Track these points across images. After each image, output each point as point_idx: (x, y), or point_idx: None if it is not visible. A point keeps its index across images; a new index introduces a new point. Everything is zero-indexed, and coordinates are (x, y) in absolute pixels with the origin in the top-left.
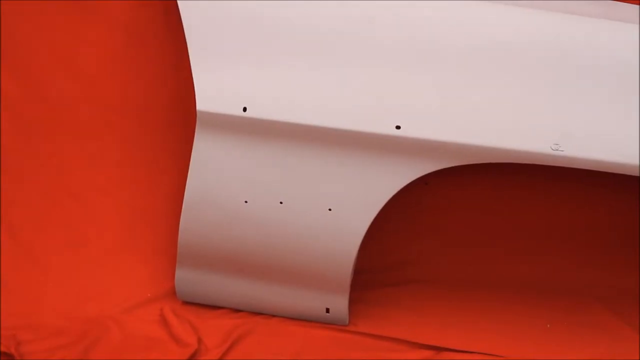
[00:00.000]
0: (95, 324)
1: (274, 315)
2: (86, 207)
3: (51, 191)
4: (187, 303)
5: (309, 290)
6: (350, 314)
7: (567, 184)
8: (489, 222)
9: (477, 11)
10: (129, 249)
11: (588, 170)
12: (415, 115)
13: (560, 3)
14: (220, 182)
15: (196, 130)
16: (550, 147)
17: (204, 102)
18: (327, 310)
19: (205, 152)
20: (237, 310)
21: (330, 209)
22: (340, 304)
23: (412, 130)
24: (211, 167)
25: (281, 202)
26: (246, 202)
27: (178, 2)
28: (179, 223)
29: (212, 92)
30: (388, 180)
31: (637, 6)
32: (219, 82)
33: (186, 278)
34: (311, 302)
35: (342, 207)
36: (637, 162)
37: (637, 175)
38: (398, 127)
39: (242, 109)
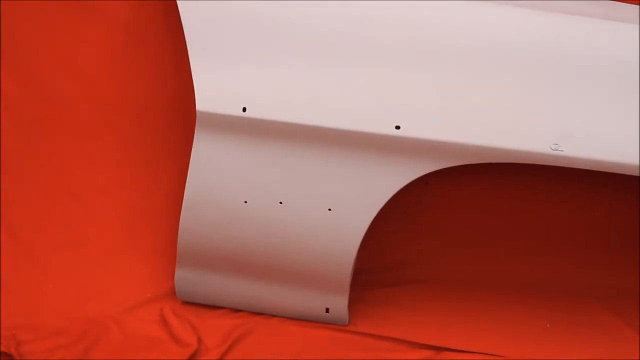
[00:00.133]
0: (95, 324)
1: (273, 315)
2: (86, 207)
3: (51, 191)
4: (187, 303)
5: (308, 290)
6: (350, 314)
7: (567, 184)
8: (489, 222)
9: (477, 11)
10: (129, 249)
11: (588, 170)
12: (415, 115)
13: (560, 3)
14: (220, 182)
15: (196, 131)
16: (550, 147)
17: (203, 102)
18: (327, 310)
19: (205, 152)
20: (237, 310)
21: (330, 209)
22: (340, 304)
23: (412, 130)
24: (211, 167)
25: (281, 202)
26: (246, 202)
27: (178, 2)
28: (179, 223)
29: (212, 92)
30: (388, 180)
31: (637, 6)
32: (219, 82)
33: (186, 278)
34: (311, 302)
35: (342, 207)
36: (637, 162)
37: (637, 175)
38: (398, 127)
39: (241, 109)
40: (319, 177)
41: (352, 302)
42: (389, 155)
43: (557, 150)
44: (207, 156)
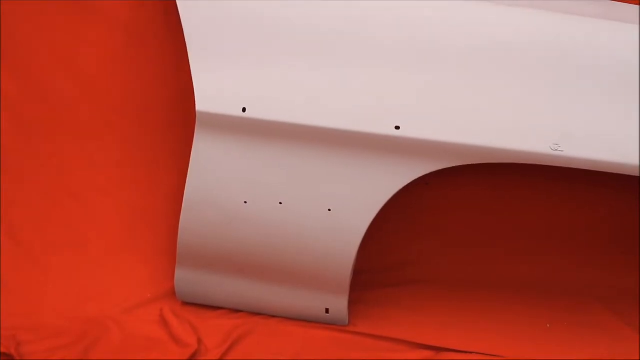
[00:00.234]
0: (95, 324)
1: (273, 316)
2: (86, 207)
3: (51, 191)
4: (186, 303)
5: (308, 290)
6: (350, 314)
7: (567, 184)
8: (489, 222)
9: (477, 11)
10: (129, 249)
11: (588, 170)
12: (414, 115)
13: (560, 3)
14: (219, 183)
15: (196, 131)
16: (550, 147)
17: (203, 103)
18: (327, 311)
19: (205, 153)
20: (236, 311)
21: (329, 210)
22: (340, 304)
23: (412, 130)
24: (211, 167)
25: (281, 203)
26: (246, 202)
27: (178, 2)
28: (179, 223)
29: (212, 92)
30: (388, 181)
31: (637, 6)
32: (219, 83)
33: (186, 278)
34: (311, 302)
35: (342, 208)
36: (637, 162)
37: (637, 175)
38: (397, 128)
39: (241, 110)
40: (319, 177)
41: (352, 303)
42: (389, 155)
43: (557, 150)
44: (207, 156)
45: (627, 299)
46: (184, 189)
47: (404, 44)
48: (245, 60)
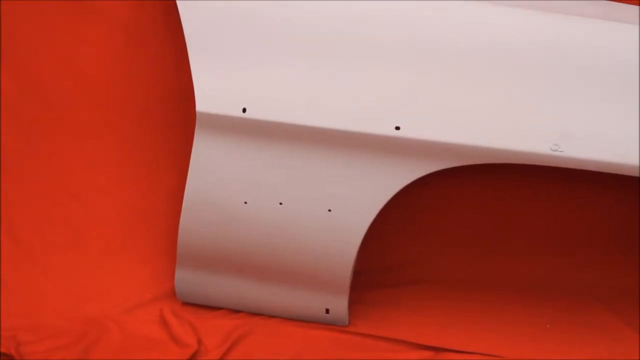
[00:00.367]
0: (95, 324)
1: (273, 316)
2: (86, 207)
3: (51, 191)
4: (186, 304)
5: (308, 291)
6: (350, 314)
7: (567, 184)
8: (489, 222)
9: (477, 11)
10: (129, 249)
11: (588, 171)
12: (415, 115)
13: (560, 3)
14: (220, 183)
15: (196, 131)
16: (550, 148)
17: (203, 103)
18: (327, 311)
19: (205, 153)
20: (236, 311)
21: (330, 210)
22: (340, 305)
23: (412, 131)
24: (211, 168)
25: (281, 203)
26: (246, 202)
27: (177, 2)
28: (179, 223)
29: (212, 93)
30: (388, 181)
31: (637, 7)
32: (219, 83)
33: (186, 279)
34: (311, 302)
35: (342, 208)
36: (637, 162)
37: (637, 175)
38: (398, 128)
39: (241, 110)
40: (319, 177)
41: (352, 303)
42: (389, 156)
43: (556, 150)
44: (207, 157)
45: (627, 299)
46: (184, 189)
47: (404, 44)
48: (245, 60)
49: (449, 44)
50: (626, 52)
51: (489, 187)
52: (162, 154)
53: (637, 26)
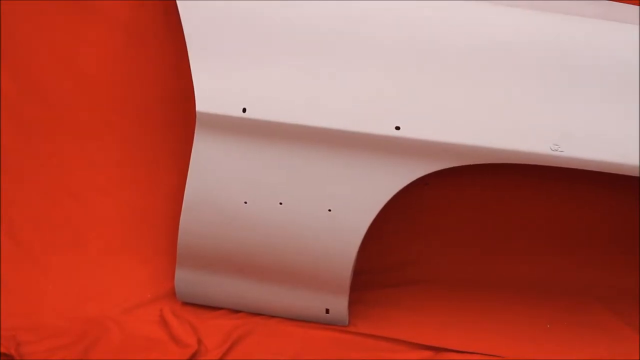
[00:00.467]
0: (95, 324)
1: (273, 316)
2: (86, 207)
3: (51, 191)
4: (186, 304)
5: (308, 290)
6: (350, 314)
7: (567, 184)
8: (489, 222)
9: (477, 11)
10: (129, 249)
11: (588, 171)
12: (414, 115)
13: (560, 3)
14: (220, 183)
15: (196, 131)
16: (550, 148)
17: (203, 103)
18: (327, 311)
19: (205, 153)
20: (236, 311)
21: (330, 210)
22: (340, 305)
23: (412, 131)
24: (211, 168)
25: (281, 203)
26: (246, 202)
27: (178, 2)
28: (179, 223)
29: (212, 93)
30: (388, 181)
31: (637, 7)
32: (219, 83)
33: (186, 279)
34: (311, 302)
35: (342, 208)
36: (637, 162)
37: (637, 175)
38: (398, 128)
39: (241, 110)
40: (319, 177)
41: (352, 303)
42: (389, 156)
43: (557, 150)
44: (207, 157)
45: (627, 299)
46: (184, 189)
47: (404, 44)
48: (245, 60)
49: (449, 44)
50: (626, 52)
51: (489, 187)
52: (162, 154)
53: (637, 26)
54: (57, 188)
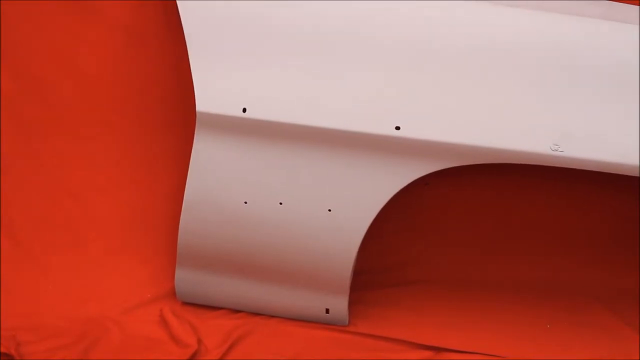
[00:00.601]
0: (95, 325)
1: (273, 316)
2: (86, 207)
3: (51, 191)
4: (186, 304)
5: (308, 290)
6: (350, 314)
7: (567, 184)
8: (489, 222)
9: (477, 11)
10: (129, 249)
11: (588, 171)
12: (415, 115)
13: (560, 3)
14: (220, 183)
15: (196, 131)
16: (550, 148)
17: (203, 103)
18: (327, 311)
19: (205, 153)
20: (236, 311)
21: (330, 210)
22: (340, 305)
23: (412, 130)
24: (211, 168)
25: (281, 203)
26: (246, 202)
27: (178, 2)
28: (179, 223)
29: (212, 93)
30: (388, 181)
31: (637, 7)
32: (219, 83)
33: (186, 279)
34: (311, 302)
35: (342, 208)
36: (637, 162)
37: (637, 175)
38: (398, 128)
39: (241, 110)
40: (319, 177)
41: (352, 303)
42: (389, 156)
43: (557, 150)
44: (207, 157)
45: (627, 299)
46: (184, 189)
47: (404, 44)
48: (245, 60)
49: (449, 44)
50: (626, 52)
51: (489, 187)
52: (162, 154)
53: (637, 26)
54: (57, 188)
